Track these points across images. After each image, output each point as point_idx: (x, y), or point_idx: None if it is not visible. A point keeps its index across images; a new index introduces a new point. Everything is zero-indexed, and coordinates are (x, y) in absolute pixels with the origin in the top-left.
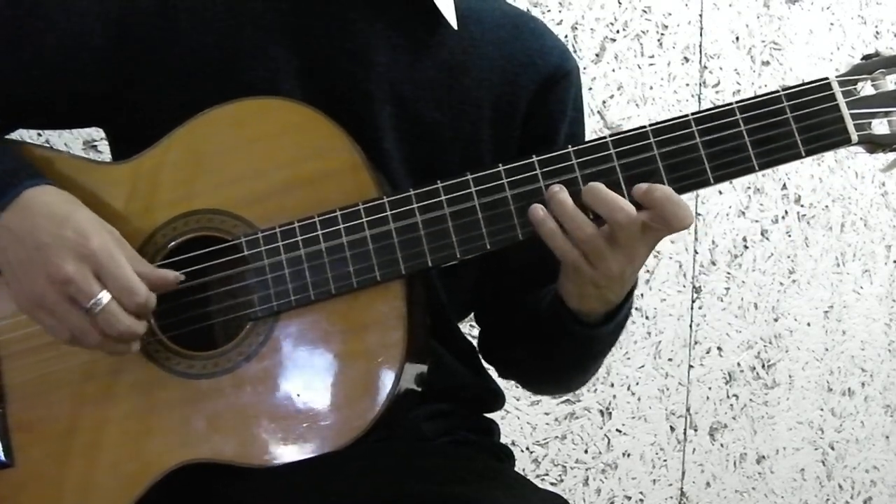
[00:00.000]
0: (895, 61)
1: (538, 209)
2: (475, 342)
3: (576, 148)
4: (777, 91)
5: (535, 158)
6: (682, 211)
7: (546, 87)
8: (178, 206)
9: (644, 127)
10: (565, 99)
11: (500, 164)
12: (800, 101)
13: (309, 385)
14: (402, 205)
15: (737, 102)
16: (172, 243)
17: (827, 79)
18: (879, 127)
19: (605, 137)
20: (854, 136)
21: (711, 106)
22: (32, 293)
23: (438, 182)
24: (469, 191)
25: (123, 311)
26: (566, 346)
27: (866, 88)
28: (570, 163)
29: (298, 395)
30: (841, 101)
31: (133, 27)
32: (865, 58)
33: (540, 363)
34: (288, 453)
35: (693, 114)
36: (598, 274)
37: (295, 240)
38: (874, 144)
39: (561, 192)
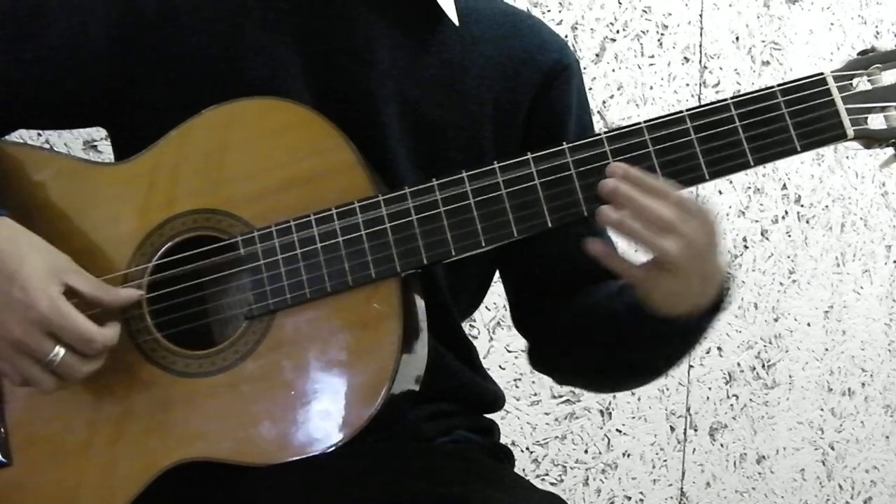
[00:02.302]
0: (891, 56)
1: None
2: (475, 342)
3: (571, 145)
4: (772, 86)
5: (529, 156)
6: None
7: (547, 83)
8: (176, 206)
9: (639, 123)
10: (568, 93)
11: (496, 162)
12: (795, 96)
13: (305, 383)
14: (397, 202)
15: (732, 98)
16: (169, 243)
17: (822, 74)
18: (875, 122)
19: (599, 134)
20: (850, 132)
21: (707, 102)
22: None
23: (433, 180)
24: (464, 188)
25: (81, 359)
26: (651, 344)
27: (862, 83)
28: (564, 160)
29: (294, 394)
30: (836, 96)
31: (134, 27)
32: (861, 53)
33: (614, 363)
34: (285, 452)
35: (688, 109)
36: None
37: (291, 238)
38: (870, 139)
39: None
